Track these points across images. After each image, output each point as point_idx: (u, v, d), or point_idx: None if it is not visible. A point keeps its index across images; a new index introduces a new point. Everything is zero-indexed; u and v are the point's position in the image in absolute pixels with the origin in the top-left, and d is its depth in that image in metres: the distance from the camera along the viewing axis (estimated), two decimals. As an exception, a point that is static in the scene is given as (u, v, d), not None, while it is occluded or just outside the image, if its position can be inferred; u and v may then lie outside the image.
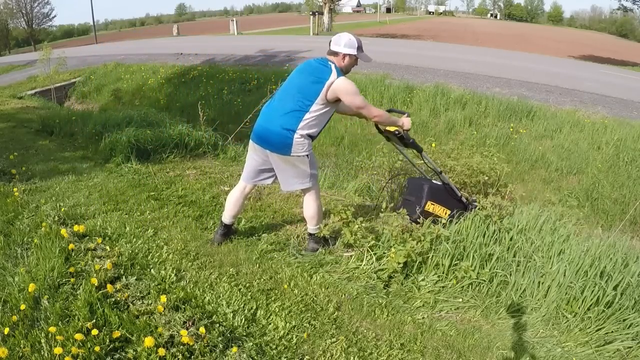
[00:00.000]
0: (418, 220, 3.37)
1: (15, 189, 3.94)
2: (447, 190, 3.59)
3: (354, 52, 2.93)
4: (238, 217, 3.51)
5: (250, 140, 3.10)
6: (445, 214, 3.54)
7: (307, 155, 2.97)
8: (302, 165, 2.99)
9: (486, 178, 4.24)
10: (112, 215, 3.64)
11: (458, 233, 3.28)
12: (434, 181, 3.68)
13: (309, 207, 3.19)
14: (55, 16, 56.61)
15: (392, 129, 3.29)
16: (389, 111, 3.36)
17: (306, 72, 2.94)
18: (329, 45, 2.98)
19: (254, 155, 3.13)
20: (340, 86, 2.83)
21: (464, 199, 3.65)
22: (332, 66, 2.88)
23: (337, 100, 2.90)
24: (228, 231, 3.37)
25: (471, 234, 3.25)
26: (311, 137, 2.97)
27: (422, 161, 3.63)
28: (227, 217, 3.28)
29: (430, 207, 3.50)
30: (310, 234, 3.33)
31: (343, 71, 2.95)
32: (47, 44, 16.47)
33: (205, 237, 3.44)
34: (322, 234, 3.25)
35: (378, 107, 3.28)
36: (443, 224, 3.34)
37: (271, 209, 4.06)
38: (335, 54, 2.94)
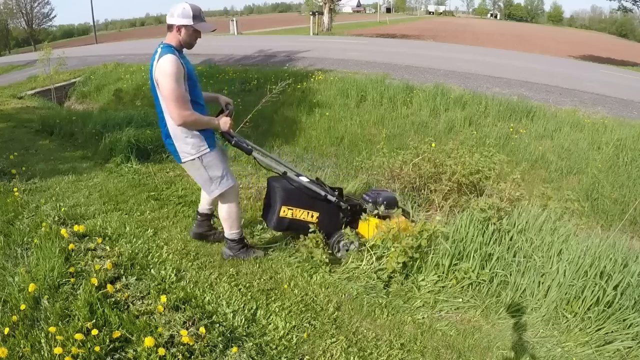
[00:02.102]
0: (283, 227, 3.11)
1: (15, 189, 3.94)
2: (305, 190, 3.13)
3: (189, 22, 2.53)
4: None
5: None
6: (313, 217, 3.14)
7: (199, 157, 2.70)
8: (199, 170, 2.76)
9: (485, 177, 4.23)
10: (112, 215, 3.64)
11: (457, 232, 3.28)
12: (299, 178, 3.21)
13: (220, 209, 2.95)
14: (55, 16, 56.61)
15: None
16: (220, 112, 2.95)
17: (151, 68, 2.60)
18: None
19: None
20: (160, 65, 2.46)
21: (331, 197, 3.21)
22: (159, 48, 2.55)
23: None
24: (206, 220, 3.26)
25: (470, 233, 3.25)
26: (195, 132, 2.66)
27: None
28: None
29: (288, 212, 3.07)
30: (225, 239, 3.06)
31: (181, 46, 2.61)
32: (47, 44, 16.44)
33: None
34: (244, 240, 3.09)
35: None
36: (438, 220, 3.28)
37: (271, 209, 4.05)
38: (170, 27, 2.57)
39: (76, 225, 3.23)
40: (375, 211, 3.36)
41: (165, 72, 2.44)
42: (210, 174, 2.76)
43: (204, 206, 3.24)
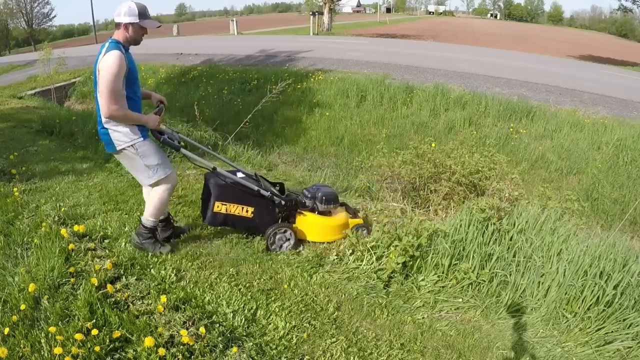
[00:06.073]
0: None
1: (15, 189, 3.94)
2: (239, 186, 3.18)
3: (135, 20, 2.66)
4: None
5: None
6: (248, 212, 3.21)
7: (133, 145, 2.75)
8: (134, 159, 2.79)
9: (484, 178, 4.23)
10: (112, 215, 3.64)
11: (457, 232, 3.28)
12: (234, 175, 3.23)
13: (152, 194, 2.94)
14: (55, 16, 56.74)
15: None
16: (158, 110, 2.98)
17: (96, 60, 2.68)
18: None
19: None
20: (104, 59, 2.57)
21: (264, 193, 3.23)
22: (107, 43, 2.66)
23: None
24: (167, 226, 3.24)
25: (470, 233, 3.25)
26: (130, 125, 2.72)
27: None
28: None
29: (222, 207, 3.13)
30: (141, 224, 3.02)
31: (129, 43, 2.73)
32: (47, 44, 16.43)
33: (205, 237, 3.44)
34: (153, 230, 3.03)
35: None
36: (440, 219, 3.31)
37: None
38: (117, 25, 2.69)
39: (76, 225, 3.23)
40: (314, 206, 3.48)
41: (107, 66, 2.54)
42: (145, 162, 2.80)
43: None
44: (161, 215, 3.07)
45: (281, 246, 3.36)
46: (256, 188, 3.21)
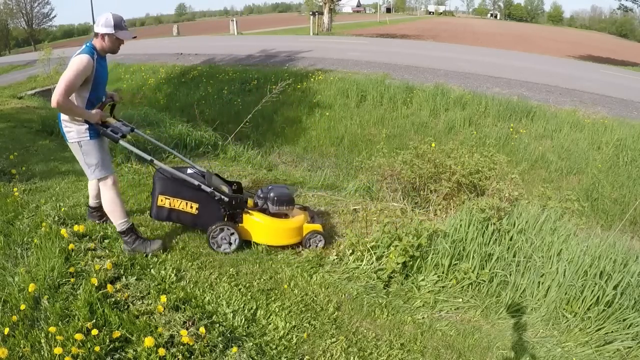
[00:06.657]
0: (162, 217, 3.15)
1: (15, 189, 3.94)
2: (181, 180, 3.11)
3: (111, 30, 2.83)
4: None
5: None
6: (192, 208, 3.15)
7: (79, 142, 2.90)
8: (78, 154, 2.97)
9: (484, 178, 4.23)
10: (112, 215, 3.63)
11: (457, 233, 3.28)
12: (177, 171, 3.14)
13: (103, 200, 3.06)
14: (55, 16, 56.79)
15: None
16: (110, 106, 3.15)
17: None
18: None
19: None
20: (73, 60, 2.75)
21: (206, 188, 3.12)
22: (85, 45, 2.86)
23: (85, 81, 2.79)
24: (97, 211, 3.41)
25: (470, 233, 3.25)
26: (86, 122, 2.86)
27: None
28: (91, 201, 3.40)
29: (165, 201, 3.10)
30: (119, 233, 3.09)
31: (105, 52, 2.91)
32: (47, 44, 16.43)
33: (205, 237, 3.44)
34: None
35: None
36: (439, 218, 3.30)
37: (271, 209, 4.05)
38: (96, 35, 2.89)
39: (76, 225, 3.23)
40: (265, 207, 3.35)
41: (74, 65, 2.73)
42: (86, 160, 2.98)
43: (91, 200, 3.42)
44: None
45: (225, 244, 3.24)
46: (197, 183, 3.11)
